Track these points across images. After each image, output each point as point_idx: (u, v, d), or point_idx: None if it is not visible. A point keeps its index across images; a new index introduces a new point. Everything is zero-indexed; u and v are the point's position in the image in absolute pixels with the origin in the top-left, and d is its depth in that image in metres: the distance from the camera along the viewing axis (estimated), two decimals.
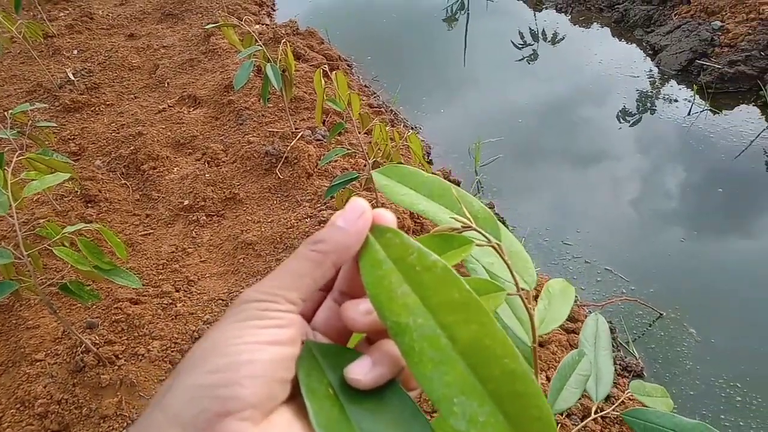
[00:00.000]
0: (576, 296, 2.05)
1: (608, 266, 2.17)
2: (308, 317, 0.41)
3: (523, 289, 0.69)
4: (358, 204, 0.38)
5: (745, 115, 2.89)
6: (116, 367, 1.75)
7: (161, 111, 3.03)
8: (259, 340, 0.32)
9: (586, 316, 1.91)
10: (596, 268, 2.17)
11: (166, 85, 3.26)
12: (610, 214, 2.47)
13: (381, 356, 0.35)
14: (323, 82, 1.88)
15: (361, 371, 0.34)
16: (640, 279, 2.11)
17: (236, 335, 0.32)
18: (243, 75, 2.15)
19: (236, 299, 0.35)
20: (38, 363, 1.82)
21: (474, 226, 0.63)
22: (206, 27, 2.35)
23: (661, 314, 1.96)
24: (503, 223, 2.56)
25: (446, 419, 0.31)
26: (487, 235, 0.64)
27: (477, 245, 0.62)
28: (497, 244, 0.65)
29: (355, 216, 0.37)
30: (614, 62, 3.42)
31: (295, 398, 0.34)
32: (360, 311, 0.37)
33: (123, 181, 2.58)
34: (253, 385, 0.30)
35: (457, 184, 2.69)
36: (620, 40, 3.63)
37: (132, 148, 2.69)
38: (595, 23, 3.85)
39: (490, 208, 2.46)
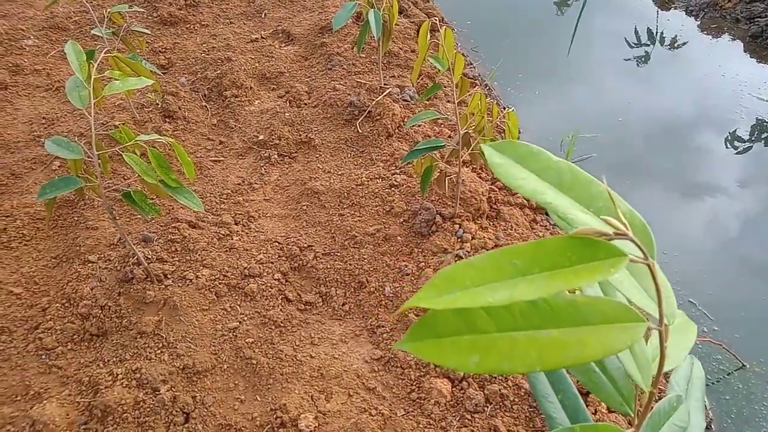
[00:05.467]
0: None
1: (692, 299, 1.97)
2: None
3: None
4: None
5: None
6: (163, 286, 1.72)
7: (253, 41, 2.96)
8: None
9: None
10: (679, 298, 1.97)
11: (263, 16, 3.19)
12: (703, 243, 2.24)
13: None
14: (429, 37, 1.73)
15: None
16: (726, 321, 1.89)
17: None
18: (344, 15, 2.03)
19: None
20: (90, 264, 1.82)
21: (630, 234, 0.49)
22: None
23: (743, 365, 1.76)
24: None
25: None
26: (644, 248, 0.50)
27: (631, 260, 0.48)
28: (652, 264, 0.51)
29: None
30: (740, 79, 3.09)
31: None
32: None
33: (203, 103, 2.54)
34: None
35: None
36: (753, 57, 3.27)
37: (219, 72, 2.64)
38: (726, 34, 3.48)
39: None
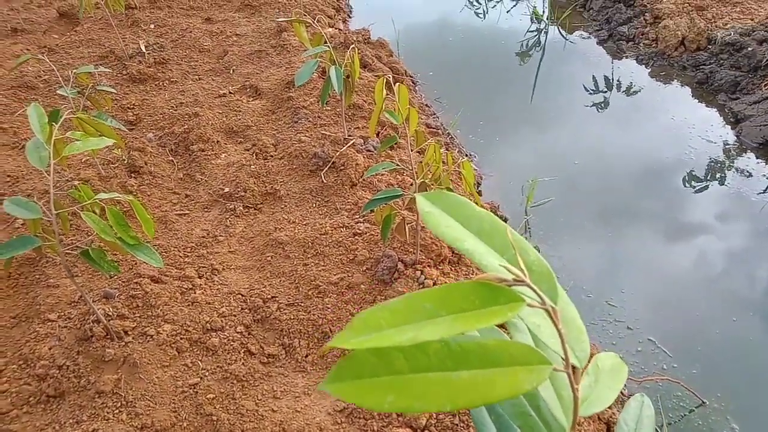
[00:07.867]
0: None
1: (651, 336, 2.01)
2: None
3: (573, 367, 0.59)
4: None
5: None
6: (123, 344, 1.70)
7: (221, 96, 3.03)
8: None
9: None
10: (638, 336, 2.01)
11: (231, 72, 3.27)
12: (661, 281, 2.30)
13: None
14: (384, 92, 1.81)
15: None
16: (685, 357, 1.93)
17: None
18: (306, 72, 2.11)
19: None
20: (50, 323, 1.79)
21: (527, 281, 0.53)
22: (278, 20, 2.33)
23: (703, 402, 1.79)
24: None
25: None
26: (542, 294, 0.54)
27: (528, 305, 0.51)
28: (551, 308, 0.55)
29: None
30: (689, 123, 3.24)
31: None
32: None
33: (170, 158, 2.57)
34: None
35: (504, 221, 2.57)
36: (700, 102, 3.44)
37: (186, 127, 2.68)
38: (675, 81, 3.68)
39: None
